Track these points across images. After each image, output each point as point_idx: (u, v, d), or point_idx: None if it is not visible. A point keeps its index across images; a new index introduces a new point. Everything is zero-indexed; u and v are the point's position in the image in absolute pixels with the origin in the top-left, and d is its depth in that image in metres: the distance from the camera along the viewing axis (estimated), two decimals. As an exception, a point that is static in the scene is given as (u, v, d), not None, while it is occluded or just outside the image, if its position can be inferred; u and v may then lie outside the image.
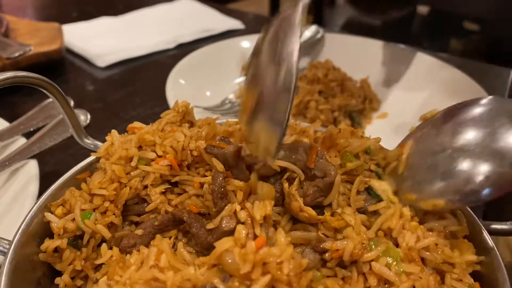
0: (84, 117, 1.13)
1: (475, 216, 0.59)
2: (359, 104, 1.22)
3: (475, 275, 0.55)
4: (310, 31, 1.54)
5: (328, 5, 3.35)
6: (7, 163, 0.87)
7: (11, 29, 1.50)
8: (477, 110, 0.59)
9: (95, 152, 0.66)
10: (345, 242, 0.52)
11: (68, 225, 0.57)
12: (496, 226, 0.60)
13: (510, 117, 0.56)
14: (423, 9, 3.30)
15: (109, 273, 0.49)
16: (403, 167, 0.61)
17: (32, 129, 1.00)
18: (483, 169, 0.53)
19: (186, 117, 0.71)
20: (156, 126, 0.67)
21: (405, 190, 0.60)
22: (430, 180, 0.58)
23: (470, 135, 0.57)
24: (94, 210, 0.59)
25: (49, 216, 0.58)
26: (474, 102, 0.60)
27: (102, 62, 1.49)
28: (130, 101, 1.32)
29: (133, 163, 0.62)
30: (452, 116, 0.61)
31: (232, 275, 0.46)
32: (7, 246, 0.54)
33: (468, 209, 0.60)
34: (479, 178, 0.53)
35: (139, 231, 0.58)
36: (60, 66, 1.47)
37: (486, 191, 0.53)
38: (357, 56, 1.49)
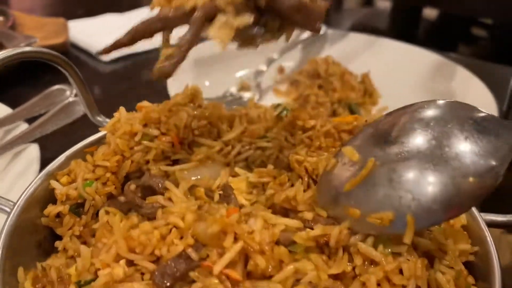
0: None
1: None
2: (359, 97, 1.23)
3: (468, 266, 0.54)
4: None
5: (335, 9, 3.36)
6: (9, 146, 0.89)
7: (17, 24, 1.52)
8: (428, 114, 0.53)
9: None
10: (332, 227, 0.50)
11: (70, 193, 0.60)
12: (493, 217, 0.58)
13: (463, 124, 0.50)
14: (430, 14, 3.30)
15: (97, 236, 0.51)
16: (354, 184, 0.52)
17: (34, 115, 1.01)
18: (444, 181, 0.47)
19: (195, 100, 0.73)
20: (163, 106, 0.69)
21: (344, 204, 0.52)
22: (376, 191, 0.50)
23: (419, 142, 0.51)
24: (96, 180, 0.61)
25: (54, 183, 0.61)
26: (424, 105, 0.54)
27: (106, 57, 1.51)
28: (134, 94, 1.34)
29: (136, 138, 0.64)
30: (398, 120, 0.54)
31: (204, 245, 0.47)
32: (11, 207, 0.57)
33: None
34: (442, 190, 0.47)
35: (121, 198, 0.61)
36: (65, 61, 1.48)
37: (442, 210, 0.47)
38: (360, 53, 1.50)
